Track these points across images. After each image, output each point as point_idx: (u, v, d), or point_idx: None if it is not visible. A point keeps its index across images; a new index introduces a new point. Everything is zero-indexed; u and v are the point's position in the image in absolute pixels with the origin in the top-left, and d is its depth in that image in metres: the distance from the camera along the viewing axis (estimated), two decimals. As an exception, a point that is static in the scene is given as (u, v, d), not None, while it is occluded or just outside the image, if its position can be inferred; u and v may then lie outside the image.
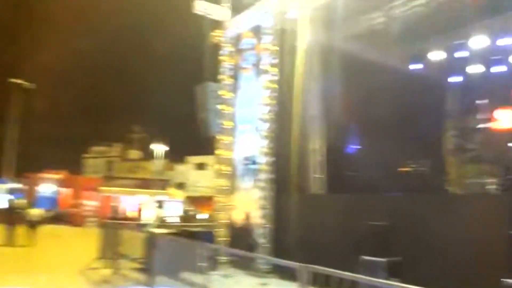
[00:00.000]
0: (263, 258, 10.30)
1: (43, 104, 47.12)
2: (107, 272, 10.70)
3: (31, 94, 38.42)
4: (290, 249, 9.80)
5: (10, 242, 15.96)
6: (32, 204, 21.05)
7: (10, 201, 25.84)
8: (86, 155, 57.90)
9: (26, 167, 36.35)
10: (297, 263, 5.56)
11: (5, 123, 37.82)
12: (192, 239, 10.04)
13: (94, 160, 57.36)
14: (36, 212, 17.94)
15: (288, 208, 10.91)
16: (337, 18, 10.54)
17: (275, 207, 11.28)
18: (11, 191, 32.69)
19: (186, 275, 9.10)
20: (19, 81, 36.88)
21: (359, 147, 12.78)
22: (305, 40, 11.47)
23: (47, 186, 31.62)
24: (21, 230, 16.60)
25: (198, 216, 31.10)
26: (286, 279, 8.93)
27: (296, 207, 10.77)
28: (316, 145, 11.57)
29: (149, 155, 53.22)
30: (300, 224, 10.35)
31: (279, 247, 10.73)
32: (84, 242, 17.58)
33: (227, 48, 13.09)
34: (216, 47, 13.05)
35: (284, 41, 11.53)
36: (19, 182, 35.55)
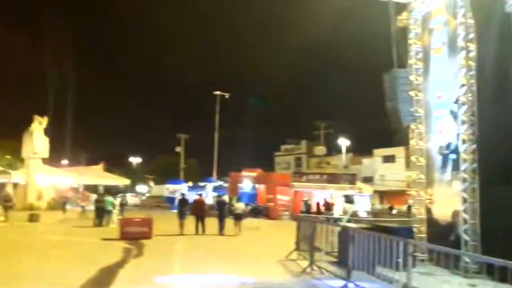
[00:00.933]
0: (475, 257, 9.20)
1: (240, 111, 52.76)
2: (303, 263, 11.08)
3: (228, 104, 43.85)
4: (503, 248, 8.53)
5: (220, 232, 18.17)
6: (236, 199, 23.46)
7: (215, 197, 29.44)
8: (277, 153, 61.99)
9: (228, 167, 41.13)
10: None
11: (211, 130, 43.86)
12: (386, 234, 9.64)
13: (284, 157, 61.02)
14: (240, 206, 20.04)
15: (499, 202, 9.53)
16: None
17: (481, 200, 10.00)
18: (216, 189, 37.22)
19: (383, 270, 8.78)
20: (220, 92, 42.82)
21: None
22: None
23: (246, 183, 34.74)
24: (228, 222, 18.69)
25: (392, 211, 30.08)
26: (501, 281, 7.78)
27: (508, 200, 9.34)
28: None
29: (334, 150, 53.86)
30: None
31: (488, 245, 9.48)
32: (279, 234, 18.78)
33: (415, 30, 12.19)
34: (403, 31, 12.26)
35: (484, 12, 10.11)
36: (222, 180, 40.25)
